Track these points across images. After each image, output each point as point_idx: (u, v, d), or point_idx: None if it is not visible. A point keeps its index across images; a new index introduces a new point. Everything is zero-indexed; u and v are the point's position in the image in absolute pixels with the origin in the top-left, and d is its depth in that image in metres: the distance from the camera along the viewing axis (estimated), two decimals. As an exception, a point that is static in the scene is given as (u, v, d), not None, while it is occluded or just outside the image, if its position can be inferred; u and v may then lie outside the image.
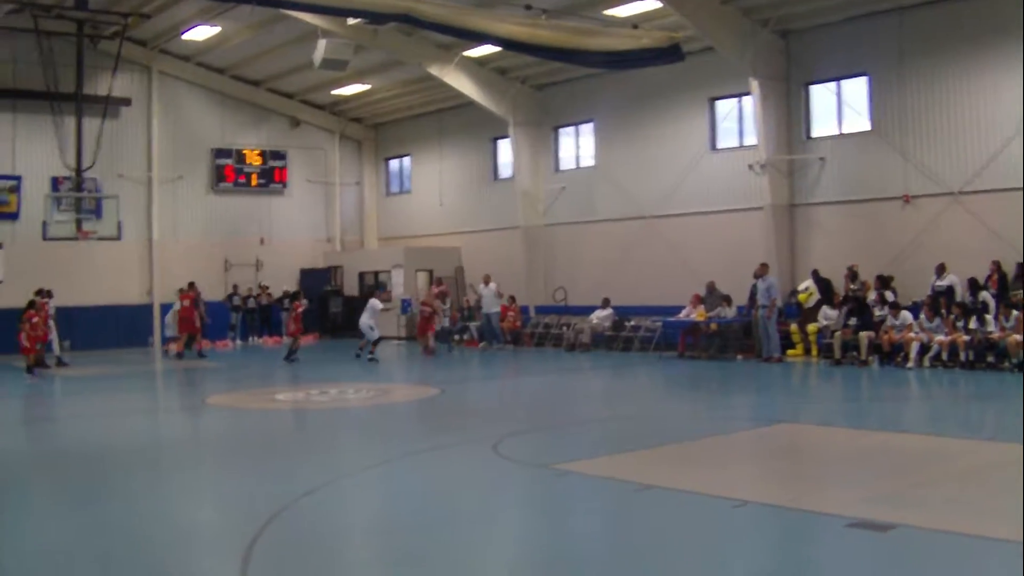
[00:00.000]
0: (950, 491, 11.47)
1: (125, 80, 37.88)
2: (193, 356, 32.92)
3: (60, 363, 30.56)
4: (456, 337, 36.63)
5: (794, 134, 29.41)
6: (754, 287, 27.61)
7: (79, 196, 35.12)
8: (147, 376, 29.94)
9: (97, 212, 35.55)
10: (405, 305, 39.37)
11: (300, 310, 31.63)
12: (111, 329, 36.39)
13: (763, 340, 27.37)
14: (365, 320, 30.49)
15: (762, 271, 27.53)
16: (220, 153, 40.95)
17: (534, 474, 13.26)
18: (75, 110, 35.16)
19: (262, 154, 41.93)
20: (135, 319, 37.10)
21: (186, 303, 33.37)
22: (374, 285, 40.90)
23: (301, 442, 17.12)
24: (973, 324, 23.58)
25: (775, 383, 23.76)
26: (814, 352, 26.97)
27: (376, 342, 30.28)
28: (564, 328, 34.18)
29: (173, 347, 33.56)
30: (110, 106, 36.71)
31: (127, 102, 38.39)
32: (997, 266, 24.64)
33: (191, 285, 34.28)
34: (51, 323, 30.35)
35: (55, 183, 36.21)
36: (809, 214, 29.20)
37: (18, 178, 36.45)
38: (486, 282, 34.95)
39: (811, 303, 27.50)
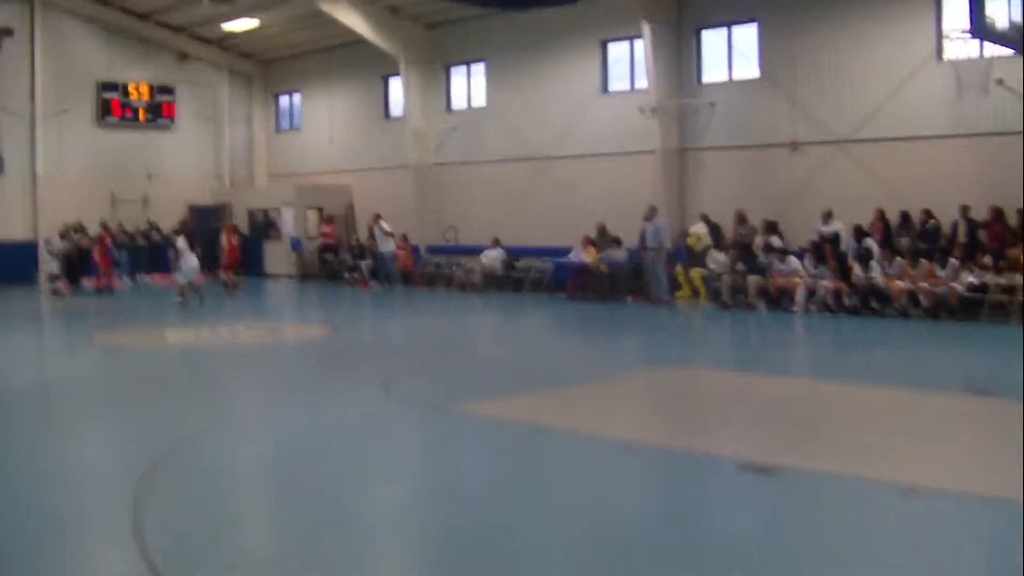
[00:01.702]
0: (834, 434, 11.74)
1: (6, 10, 36.96)
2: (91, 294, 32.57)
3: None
4: (347, 276, 36.52)
5: (685, 79, 29.58)
6: (644, 229, 27.79)
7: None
8: (33, 314, 29.47)
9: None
10: (295, 243, 39.19)
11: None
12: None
13: (652, 282, 27.61)
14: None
15: (651, 214, 27.70)
16: (107, 87, 40.17)
17: (425, 415, 13.34)
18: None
19: (150, 89, 41.24)
20: (19, 256, 36.43)
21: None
22: (264, 222, 40.71)
23: (190, 383, 16.91)
24: (857, 270, 24.01)
25: (665, 326, 24.03)
26: (702, 295, 27.30)
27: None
28: (455, 268, 34.21)
29: (60, 285, 33.06)
30: (-8, 36, 35.88)
31: (9, 32, 37.41)
32: (881, 214, 25.08)
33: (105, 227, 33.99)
34: None
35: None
36: (699, 158, 29.46)
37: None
38: (376, 220, 34.74)
39: (700, 247, 27.83)
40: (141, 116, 41.01)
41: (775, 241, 26.17)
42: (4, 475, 10.43)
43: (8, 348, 21.74)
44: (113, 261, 34.29)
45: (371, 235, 36.16)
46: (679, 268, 27.96)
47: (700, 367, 17.79)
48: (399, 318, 27.64)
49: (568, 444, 11.44)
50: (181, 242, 29.29)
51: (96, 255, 33.45)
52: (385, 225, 34.22)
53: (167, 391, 15.69)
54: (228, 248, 32.43)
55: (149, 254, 39.30)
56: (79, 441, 12.21)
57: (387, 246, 34.46)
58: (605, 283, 29.17)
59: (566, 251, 30.09)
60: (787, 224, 26.92)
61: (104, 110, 40.04)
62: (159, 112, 41.37)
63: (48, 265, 33.53)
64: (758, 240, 26.64)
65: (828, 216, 25.75)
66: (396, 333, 24.68)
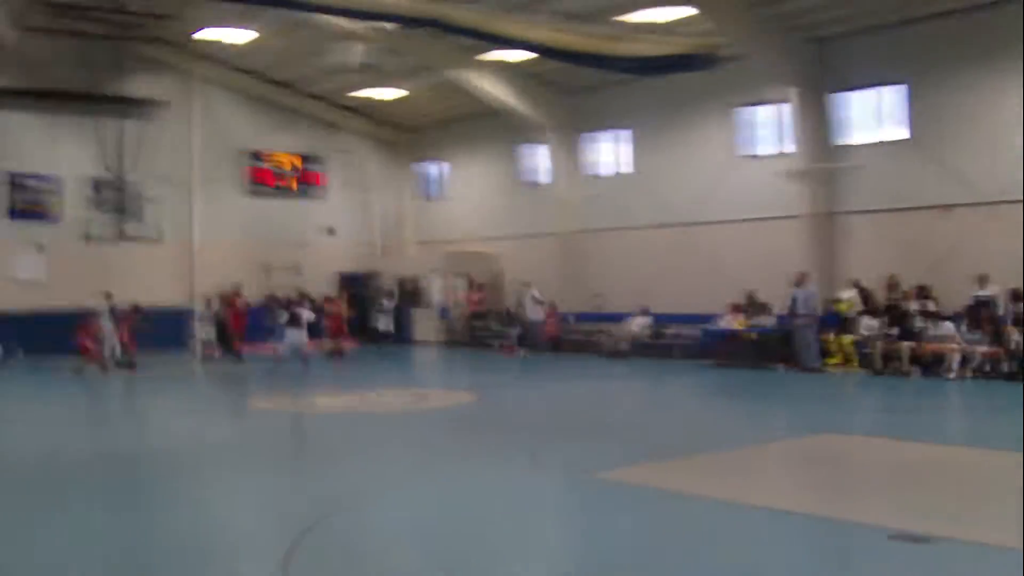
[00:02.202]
0: (991, 503, 11.44)
1: (163, 83, 38.08)
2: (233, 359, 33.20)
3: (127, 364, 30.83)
4: (495, 343, 36.70)
5: (831, 142, 29.29)
6: (794, 296, 27.46)
7: (119, 198, 35.37)
8: (188, 379, 30.04)
9: (138, 214, 35.81)
10: (443, 310, 39.51)
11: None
12: (151, 331, 36.47)
13: (803, 350, 27.24)
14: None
15: (801, 279, 27.37)
16: (258, 156, 41.13)
17: (574, 482, 13.27)
18: (114, 112, 35.39)
19: (300, 158, 42.11)
20: (174, 322, 37.23)
21: (243, 303, 33.80)
22: (412, 291, 41.13)
23: (340, 448, 17.05)
24: (1015, 335, 23.46)
25: (815, 393, 23.62)
26: (853, 362, 26.83)
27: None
28: (602, 335, 34.13)
29: (216, 351, 33.76)
30: (149, 109, 36.92)
31: (166, 105, 38.59)
32: (1039, 277, 24.49)
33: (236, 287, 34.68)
34: (110, 324, 30.59)
35: (96, 185, 36.48)
36: (846, 223, 29.04)
37: (58, 179, 36.68)
38: (525, 288, 34.84)
39: (851, 313, 27.40)
40: (293, 185, 41.86)
41: (929, 305, 25.67)
42: (155, 540, 10.59)
43: (163, 411, 22.18)
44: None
45: (519, 302, 36.30)
46: (830, 335, 27.55)
47: (851, 435, 17.47)
48: (546, 385, 27.59)
49: (716, 512, 11.30)
50: (283, 316, 29.92)
51: (232, 320, 34.07)
52: (536, 293, 34.31)
53: (317, 457, 15.85)
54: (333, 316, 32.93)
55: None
56: (231, 507, 12.40)
57: (537, 314, 34.50)
58: (753, 350, 28.87)
59: (713, 318, 29.89)
60: (939, 288, 26.39)
61: (256, 179, 40.93)
62: (308, 181, 42.15)
63: (201, 331, 34.24)
64: (912, 305, 26.16)
65: (983, 280, 25.19)
66: (543, 400, 24.61)
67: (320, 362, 31.45)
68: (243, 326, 33.99)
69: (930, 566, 9.17)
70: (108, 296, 31.17)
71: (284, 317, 29.87)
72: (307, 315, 29.82)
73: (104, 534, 10.98)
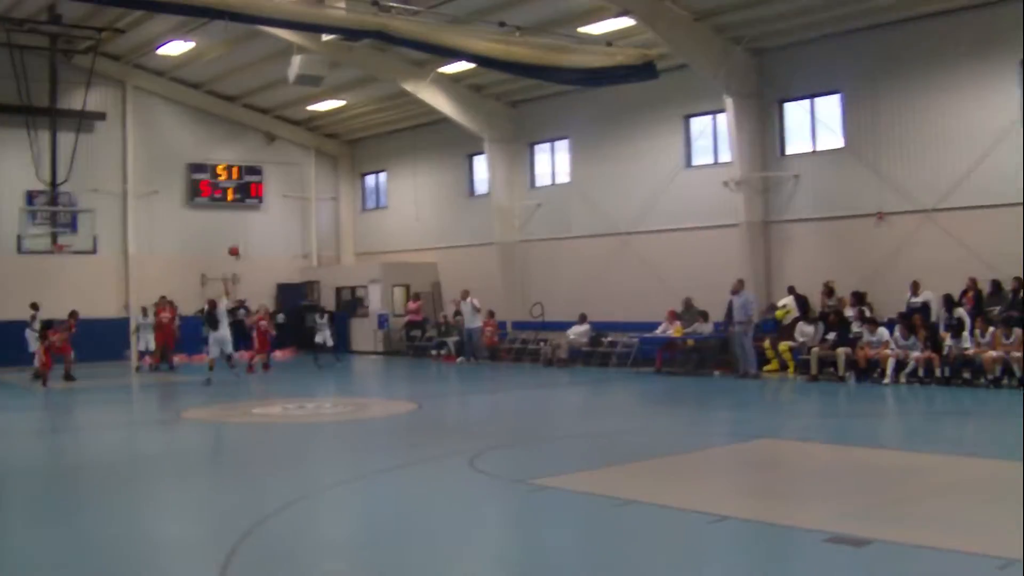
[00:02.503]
0: (927, 506, 11.53)
1: (99, 94, 37.88)
2: (166, 369, 33.02)
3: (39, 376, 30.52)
4: (434, 352, 36.72)
5: (768, 151, 29.53)
6: (731, 303, 27.63)
7: (54, 210, 35.10)
8: (123, 390, 29.80)
9: (72, 226, 35.55)
10: (382, 320, 39.47)
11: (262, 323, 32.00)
12: (87, 343, 36.16)
13: (740, 356, 27.42)
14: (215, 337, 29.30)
15: (738, 287, 27.57)
16: (195, 168, 41.00)
17: (512, 489, 13.25)
18: (49, 124, 35.23)
19: (238, 169, 41.93)
20: (111, 333, 36.93)
21: (166, 316, 33.47)
22: (351, 300, 41.10)
23: (277, 456, 17.02)
24: (949, 341, 23.71)
25: (753, 399, 23.77)
26: (790, 368, 27.05)
27: (230, 357, 29.45)
28: (541, 343, 34.19)
29: (148, 360, 33.52)
30: (84, 120, 36.76)
31: (102, 116, 38.41)
32: (974, 283, 24.77)
33: (163, 299, 34.39)
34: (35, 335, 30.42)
35: (30, 197, 36.21)
36: (784, 231, 29.32)
37: (-8, 192, 36.33)
38: (464, 297, 34.91)
39: (788, 320, 27.64)
40: (229, 196, 41.74)
41: (865, 312, 25.90)
42: (90, 550, 10.49)
43: (98, 423, 22.00)
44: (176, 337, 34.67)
45: (457, 311, 36.30)
46: (766, 341, 27.75)
47: (788, 440, 17.57)
48: (485, 393, 27.62)
49: (655, 517, 11.32)
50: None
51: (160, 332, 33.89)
52: (475, 302, 34.36)
53: (252, 466, 15.78)
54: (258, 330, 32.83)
55: (236, 332, 39.61)
56: (166, 516, 12.32)
57: (475, 322, 34.62)
58: (692, 357, 29.03)
59: (652, 326, 30.04)
60: (875, 295, 26.70)
61: (193, 191, 40.80)
62: (247, 192, 42.12)
63: (141, 342, 34.02)
64: (849, 311, 26.39)
65: (916, 287, 25.52)
66: (482, 408, 24.68)
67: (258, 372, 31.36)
68: (170, 337, 33.69)
69: (867, 569, 9.20)
70: (34, 307, 30.99)
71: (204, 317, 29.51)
72: (223, 311, 29.34)
73: (39, 546, 10.84)
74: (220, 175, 41.55)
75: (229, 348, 28.86)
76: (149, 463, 16.64)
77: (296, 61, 31.10)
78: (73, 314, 30.75)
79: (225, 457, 16.97)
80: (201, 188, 41.08)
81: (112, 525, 11.63)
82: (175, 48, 36.06)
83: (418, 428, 20.33)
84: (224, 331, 28.76)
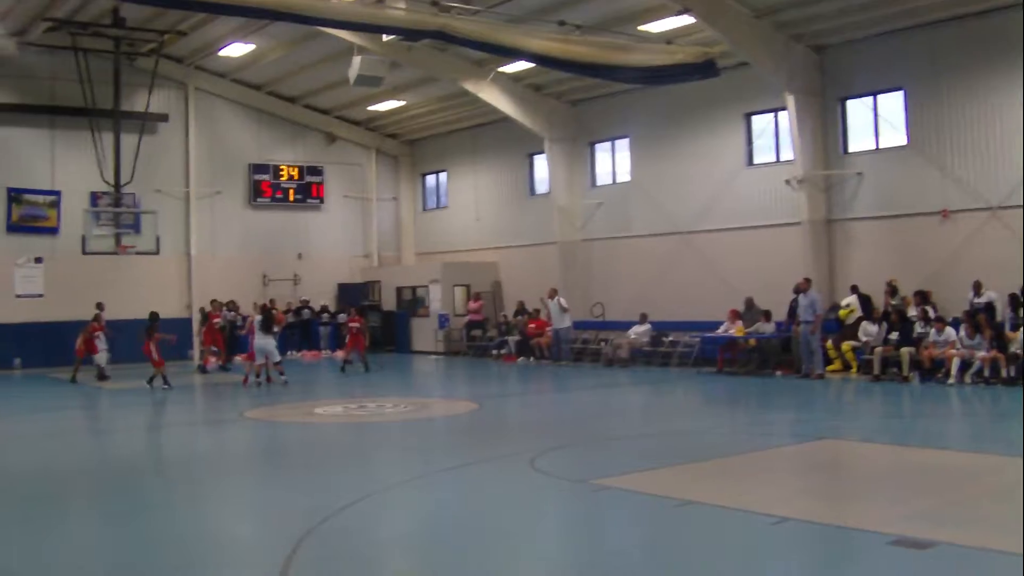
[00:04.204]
0: (992, 508, 11.39)
1: (162, 96, 38.25)
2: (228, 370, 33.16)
3: (101, 376, 30.73)
4: (494, 352, 36.71)
5: (831, 149, 29.27)
6: (795, 302, 27.43)
7: (118, 211, 35.55)
8: (186, 389, 30.01)
9: (135, 227, 36.04)
10: (442, 320, 39.53)
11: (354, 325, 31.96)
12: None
13: (804, 356, 27.16)
14: (260, 341, 28.58)
15: (804, 286, 27.30)
16: (257, 168, 41.22)
17: (572, 489, 13.21)
18: (113, 126, 35.65)
19: (299, 170, 42.15)
20: (173, 332, 37.18)
21: (217, 321, 33.64)
22: (411, 300, 41.18)
23: (339, 456, 17.13)
24: (1015, 340, 23.43)
25: (815, 399, 23.55)
26: (853, 368, 26.81)
27: (279, 362, 28.88)
28: (602, 343, 34.09)
29: (214, 360, 33.69)
30: (147, 122, 37.24)
31: (164, 118, 38.73)
32: (1039, 281, 24.46)
33: (215, 302, 34.61)
34: (103, 336, 30.62)
35: (94, 198, 36.60)
36: (847, 229, 29.05)
37: (57, 193, 36.82)
38: (551, 296, 34.47)
39: (851, 319, 27.39)
40: (291, 197, 41.87)
41: (929, 311, 25.62)
42: (155, 547, 10.57)
43: (161, 423, 22.18)
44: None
45: (520, 311, 36.25)
46: (829, 341, 27.52)
47: (851, 440, 17.42)
48: (547, 394, 27.61)
49: (715, 518, 11.24)
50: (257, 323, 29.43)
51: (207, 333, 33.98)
52: (563, 301, 34.02)
53: (314, 465, 15.84)
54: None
55: (300, 331, 39.97)
56: (229, 514, 12.39)
57: (563, 322, 34.24)
58: (753, 357, 28.84)
59: (714, 325, 29.87)
60: (939, 293, 26.41)
61: (255, 191, 41.01)
62: (308, 193, 42.28)
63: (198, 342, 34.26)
64: (912, 310, 26.11)
65: (978, 287, 25.20)
66: (543, 408, 24.64)
67: (327, 372, 31.39)
68: (220, 339, 33.75)
69: (931, 571, 9.10)
70: (99, 307, 31.26)
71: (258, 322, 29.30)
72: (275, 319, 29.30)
73: (105, 543, 10.96)
74: (282, 175, 41.74)
75: (276, 357, 28.61)
76: (212, 462, 16.80)
77: (356, 62, 31.17)
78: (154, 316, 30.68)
79: (287, 456, 17.03)
80: (263, 189, 41.32)
81: (175, 523, 11.73)
82: (236, 50, 36.38)
83: (479, 428, 20.34)
84: (267, 340, 28.49)
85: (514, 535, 10.96)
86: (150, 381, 27.98)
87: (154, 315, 29.20)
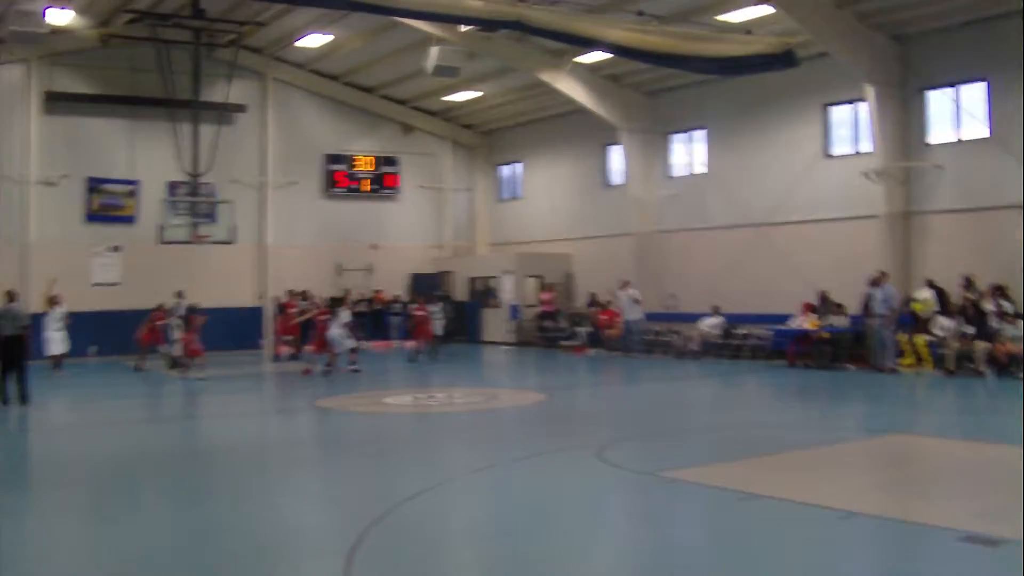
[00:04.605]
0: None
1: (240, 87, 38.48)
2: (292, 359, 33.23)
3: (176, 364, 30.97)
4: (564, 343, 36.66)
5: (910, 141, 28.88)
6: (869, 295, 27.14)
7: (194, 201, 35.94)
8: (258, 378, 30.26)
9: (212, 216, 36.38)
10: (514, 311, 39.53)
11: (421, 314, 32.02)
12: (223, 331, 36.83)
13: (878, 350, 26.88)
14: (334, 331, 28.59)
15: (880, 279, 27.01)
16: (333, 159, 41.44)
17: (640, 481, 13.17)
18: (192, 117, 36.03)
19: (375, 160, 42.30)
20: (247, 322, 37.54)
21: (294, 310, 33.83)
22: (484, 290, 41.22)
23: (407, 446, 17.21)
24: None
25: (888, 393, 23.33)
26: (927, 362, 26.48)
27: (354, 350, 28.83)
28: (674, 335, 33.93)
29: (286, 350, 33.87)
30: (226, 112, 37.51)
31: (242, 108, 39.02)
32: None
33: (291, 292, 34.87)
34: (178, 324, 30.83)
35: (172, 188, 36.95)
36: (925, 222, 28.64)
37: (136, 183, 37.22)
38: (623, 288, 34.29)
39: (927, 313, 27.02)
40: (366, 187, 42.07)
41: (1006, 306, 25.25)
42: (224, 534, 10.66)
43: (233, 412, 22.36)
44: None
45: (593, 301, 36.17)
46: (903, 335, 27.18)
47: (923, 435, 17.21)
48: (616, 385, 27.55)
49: (784, 512, 11.15)
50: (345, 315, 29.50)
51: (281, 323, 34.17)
52: (635, 293, 33.87)
53: (384, 454, 15.90)
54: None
55: (372, 321, 40.09)
56: (298, 502, 12.47)
57: (635, 314, 34.04)
58: (826, 350, 28.55)
59: (786, 318, 29.62)
60: (1017, 288, 25.96)
61: (330, 182, 41.22)
62: (383, 183, 42.43)
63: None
64: (988, 305, 25.73)
65: (1061, 280, 24.82)
66: (613, 400, 24.59)
67: (397, 362, 31.48)
68: (293, 329, 33.84)
69: (1001, 569, 8.96)
70: (179, 295, 31.54)
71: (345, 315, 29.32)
72: (344, 314, 29.28)
73: (176, 529, 11.09)
74: (357, 166, 41.92)
75: (342, 346, 28.57)
76: (283, 450, 16.97)
77: (433, 52, 31.26)
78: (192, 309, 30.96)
79: (357, 445, 17.10)
80: (337, 179, 41.50)
81: (246, 510, 11.89)
82: (314, 40, 36.58)
83: (547, 419, 20.32)
84: (336, 330, 28.51)
85: (581, 526, 10.94)
86: (174, 368, 28.57)
87: (192, 307, 29.65)
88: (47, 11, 28.96)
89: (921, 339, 26.63)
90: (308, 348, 30.52)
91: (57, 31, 32.36)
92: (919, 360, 26.74)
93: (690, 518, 11.40)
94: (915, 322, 27.20)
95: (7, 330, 21.68)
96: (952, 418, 19.92)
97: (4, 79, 35.57)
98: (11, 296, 22.54)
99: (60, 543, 10.56)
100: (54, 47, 34.14)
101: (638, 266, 36.35)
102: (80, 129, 36.66)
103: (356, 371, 27.90)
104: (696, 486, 12.49)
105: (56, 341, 29.08)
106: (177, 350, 29.92)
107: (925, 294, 27.40)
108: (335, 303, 29.57)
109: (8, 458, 16.66)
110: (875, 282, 27.01)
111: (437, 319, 34.42)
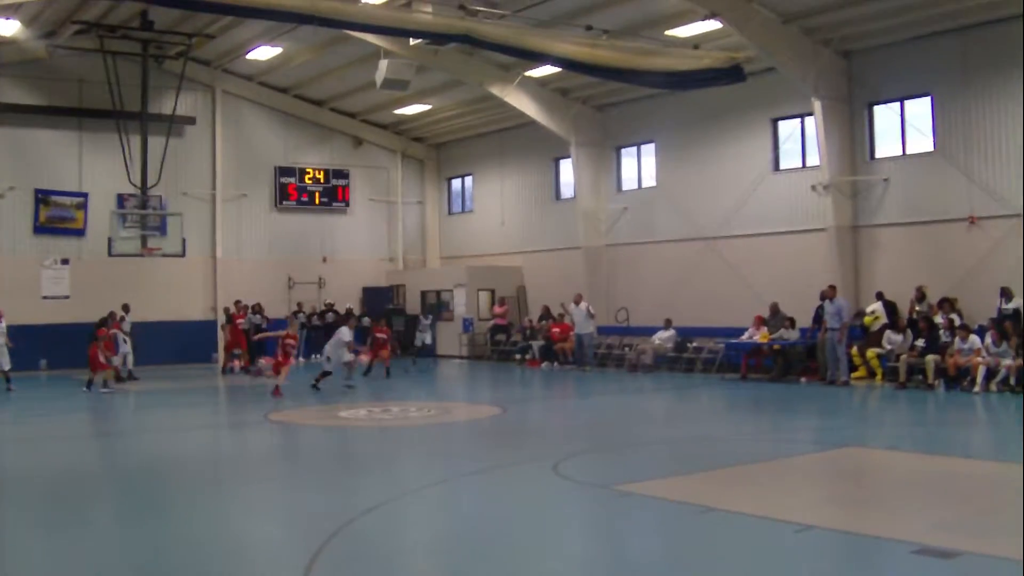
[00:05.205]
0: (1017, 518, 11.32)
1: (189, 99, 38.38)
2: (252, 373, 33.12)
3: (130, 377, 30.80)
4: (518, 356, 36.69)
5: (857, 155, 29.16)
6: (820, 308, 27.35)
7: (144, 213, 35.79)
8: (210, 392, 30.12)
9: (162, 229, 36.17)
10: (466, 324, 39.54)
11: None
12: (175, 345, 36.75)
13: (830, 363, 27.02)
14: (334, 349, 27.97)
15: (831, 293, 27.15)
16: (283, 171, 41.36)
17: (594, 495, 13.20)
18: (140, 128, 35.79)
19: (325, 173, 42.25)
20: (198, 335, 37.36)
21: (241, 322, 33.76)
22: (436, 304, 41.17)
23: (362, 459, 17.18)
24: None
25: (840, 406, 23.45)
26: (878, 376, 26.70)
27: (324, 374, 27.77)
28: (626, 349, 34.02)
29: (237, 363, 33.78)
30: (175, 125, 37.26)
31: (191, 121, 38.90)
32: (1065, 289, 24.32)
33: (238, 304, 34.76)
34: (124, 338, 30.68)
35: (121, 200, 36.81)
36: (873, 235, 28.92)
37: (85, 195, 37.02)
38: (577, 301, 34.09)
39: (876, 326, 27.26)
40: (317, 200, 42.02)
41: (956, 318, 25.49)
42: (178, 549, 10.60)
43: (184, 425, 22.23)
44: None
45: (544, 315, 36.25)
46: (854, 348, 27.39)
47: (876, 448, 17.35)
48: (570, 398, 27.58)
49: (739, 525, 11.21)
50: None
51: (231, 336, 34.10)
52: (590, 307, 33.69)
53: (338, 469, 15.88)
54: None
55: (326, 335, 39.92)
56: (251, 517, 12.43)
57: (587, 328, 33.90)
58: (778, 363, 28.73)
59: (738, 331, 29.79)
60: (965, 301, 26.25)
61: (281, 194, 41.12)
62: (334, 196, 42.39)
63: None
64: (939, 318, 25.96)
65: (1006, 293, 25.06)
66: (567, 413, 24.65)
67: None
68: (243, 341, 33.87)
69: (955, 580, 9.07)
70: (125, 308, 31.37)
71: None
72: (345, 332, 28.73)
73: (129, 544, 11.01)
74: (308, 178, 41.84)
75: (341, 360, 28.22)
76: (235, 464, 16.91)
77: (383, 65, 31.22)
78: (112, 316, 30.84)
79: (311, 460, 17.08)
80: (289, 192, 41.42)
81: (197, 525, 11.80)
82: (264, 53, 36.49)
83: (502, 432, 20.34)
84: (335, 347, 28.05)
85: (536, 540, 10.93)
86: (88, 385, 28.19)
87: (103, 320, 29.59)
88: (-7, 22, 28.80)
89: (872, 352, 26.86)
90: (262, 362, 30.41)
91: (3, 42, 32.16)
92: (871, 373, 26.97)
93: (645, 532, 11.42)
94: (865, 335, 27.44)
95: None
96: (904, 431, 20.07)
97: (-52, 90, 35.36)
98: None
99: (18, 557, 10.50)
100: (0, 58, 33.86)
101: (589, 279, 36.45)
102: (27, 140, 36.40)
103: (350, 387, 27.54)
104: (651, 499, 12.53)
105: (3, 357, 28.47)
106: (120, 362, 29.88)
107: (873, 307, 27.67)
108: (340, 319, 29.21)
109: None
110: (826, 295, 27.18)
111: (426, 332, 34.59)
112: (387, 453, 17.82)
